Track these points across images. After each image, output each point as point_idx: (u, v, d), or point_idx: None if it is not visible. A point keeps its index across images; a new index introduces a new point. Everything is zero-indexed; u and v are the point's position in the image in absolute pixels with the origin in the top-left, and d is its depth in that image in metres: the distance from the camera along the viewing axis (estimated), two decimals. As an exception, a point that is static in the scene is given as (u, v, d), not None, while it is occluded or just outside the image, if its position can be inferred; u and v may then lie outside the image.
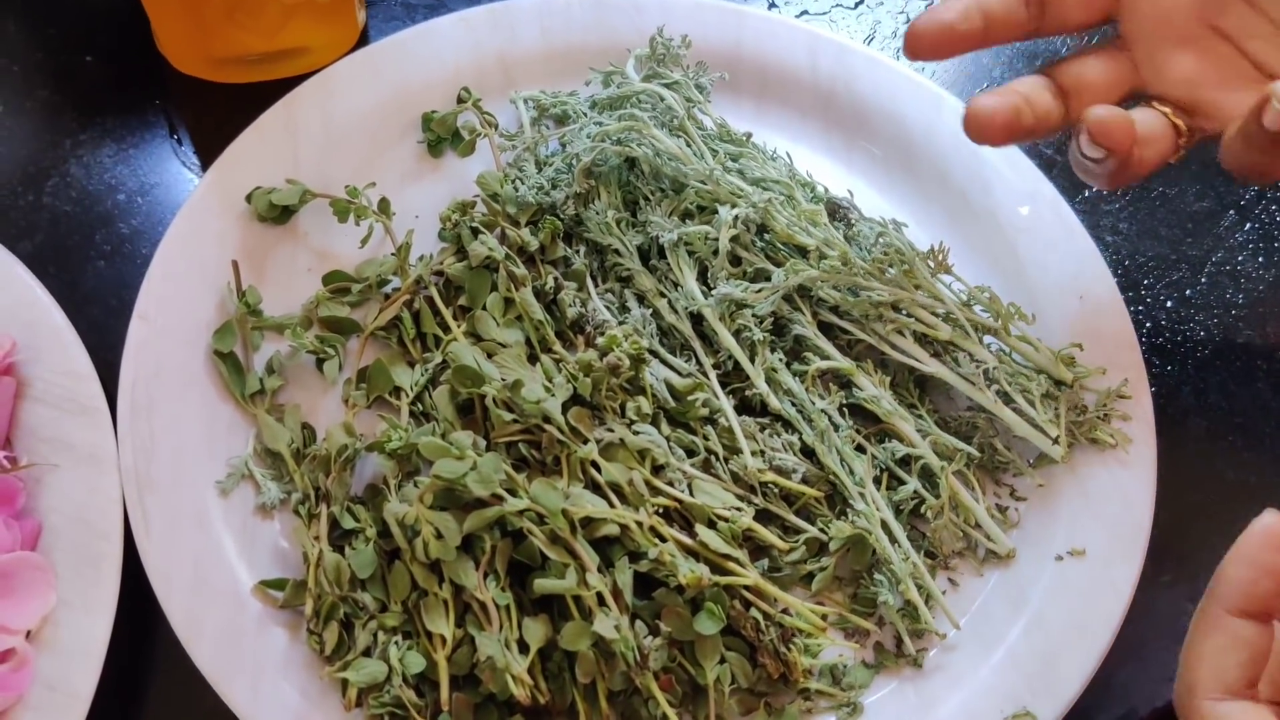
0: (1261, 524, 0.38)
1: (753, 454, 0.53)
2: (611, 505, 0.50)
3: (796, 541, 0.53)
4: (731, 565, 0.50)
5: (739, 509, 0.52)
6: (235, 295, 0.56)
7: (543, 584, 0.47)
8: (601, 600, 0.48)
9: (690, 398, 0.54)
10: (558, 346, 0.55)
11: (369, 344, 0.56)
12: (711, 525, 0.51)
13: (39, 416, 0.52)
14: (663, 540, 0.50)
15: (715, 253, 0.56)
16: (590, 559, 0.48)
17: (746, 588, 0.50)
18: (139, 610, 0.50)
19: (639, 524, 0.50)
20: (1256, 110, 0.46)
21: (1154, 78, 0.52)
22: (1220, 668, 0.38)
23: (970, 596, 0.54)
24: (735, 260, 0.57)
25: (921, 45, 0.52)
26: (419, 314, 0.56)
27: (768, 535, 0.52)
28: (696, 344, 0.56)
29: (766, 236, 0.58)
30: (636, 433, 0.52)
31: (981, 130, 0.50)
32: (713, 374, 0.55)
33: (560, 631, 0.47)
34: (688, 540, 0.50)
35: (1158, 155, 0.51)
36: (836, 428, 0.55)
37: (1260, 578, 0.38)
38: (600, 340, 0.53)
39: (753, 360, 0.55)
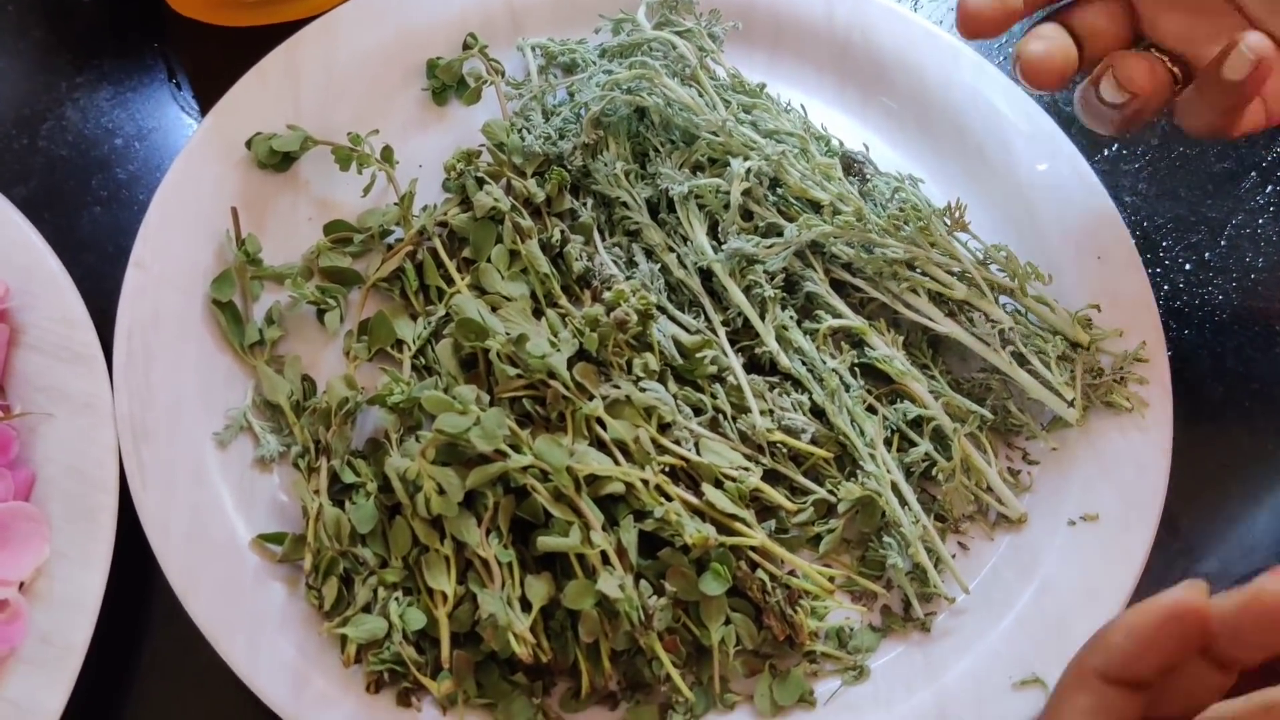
0: (1166, 600, 0.34)
1: (761, 413, 0.52)
2: (617, 463, 0.49)
3: (804, 503, 0.52)
4: (738, 526, 0.49)
5: (746, 469, 0.51)
6: (234, 243, 0.54)
7: (546, 541, 0.47)
8: (606, 559, 0.47)
9: (698, 355, 0.53)
10: (564, 301, 0.54)
11: (371, 296, 0.55)
12: (718, 485, 0.50)
13: (33, 364, 0.51)
14: (668, 499, 0.49)
15: (726, 207, 0.55)
16: (595, 517, 0.47)
17: (753, 548, 0.49)
18: (134, 563, 0.49)
19: (644, 482, 0.49)
20: (1218, 59, 0.47)
21: (1151, 28, 0.52)
22: None
23: (980, 561, 0.53)
24: (746, 215, 0.56)
25: (980, 23, 0.51)
26: (422, 265, 0.55)
27: (775, 496, 0.51)
28: (705, 300, 0.55)
29: (779, 191, 0.56)
30: (643, 390, 0.51)
31: (1039, 76, 0.51)
32: (721, 331, 0.54)
33: (563, 590, 0.47)
34: (694, 500, 0.49)
35: (1160, 102, 0.51)
36: (847, 387, 0.54)
37: (1144, 653, 0.34)
38: (607, 295, 0.52)
39: (763, 317, 0.54)
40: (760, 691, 0.49)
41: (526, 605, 0.47)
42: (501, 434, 0.47)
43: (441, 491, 0.47)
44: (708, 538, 0.47)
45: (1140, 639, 0.34)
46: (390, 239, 0.57)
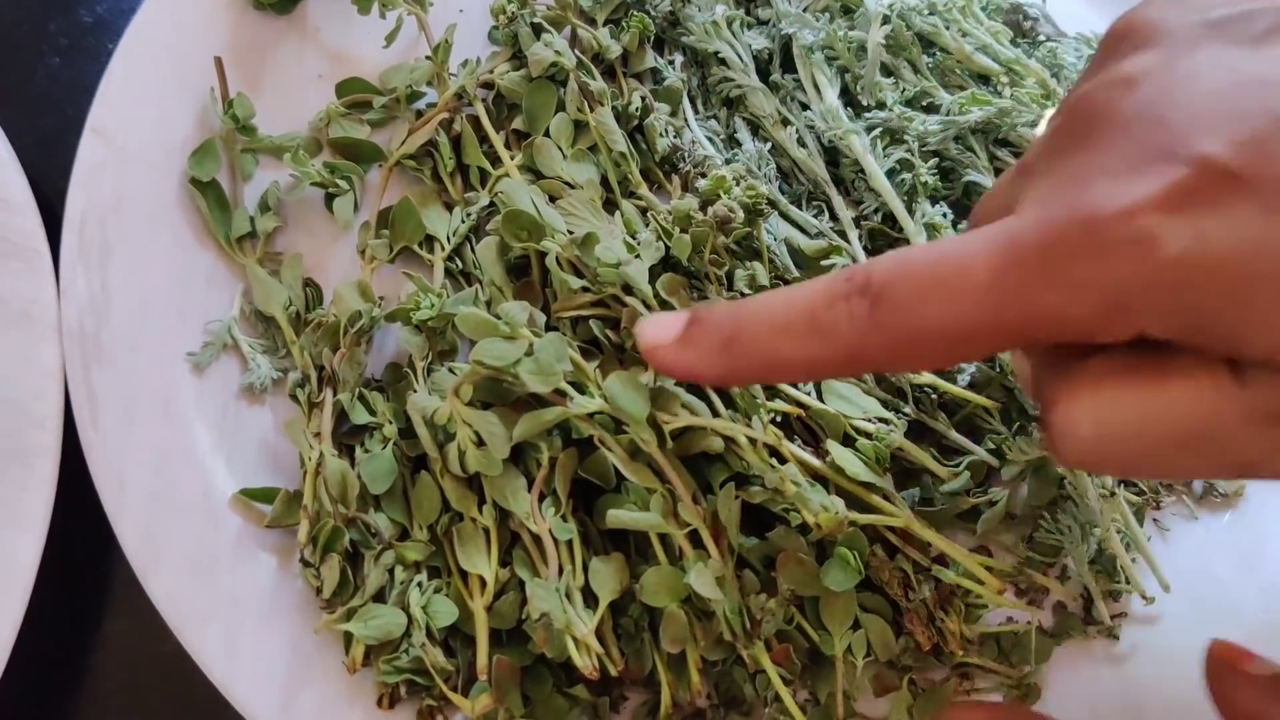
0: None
1: (904, 344, 0.42)
2: (713, 410, 0.40)
3: (958, 466, 0.42)
4: (874, 499, 0.40)
5: (885, 420, 0.41)
6: (220, 105, 0.47)
7: (618, 515, 0.38)
8: (697, 540, 0.38)
9: (822, 264, 0.44)
10: (644, 190, 0.46)
11: (394, 177, 0.49)
12: (848, 442, 0.41)
13: (-43, 259, 0.44)
14: (782, 460, 0.39)
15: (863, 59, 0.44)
16: (683, 483, 0.39)
17: (893, 529, 0.40)
18: (80, 526, 0.43)
19: (750, 439, 0.39)
20: None
21: None
22: None
23: (1186, 548, 0.44)
24: (887, 73, 0.45)
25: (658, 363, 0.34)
26: (460, 139, 0.48)
27: (922, 456, 0.42)
28: (832, 190, 0.45)
29: (936, 54, 0.45)
30: (749, 311, 0.42)
31: None
32: (853, 234, 0.45)
33: (640, 580, 0.39)
34: (815, 461, 0.40)
35: None
36: (1019, 313, 0.42)
37: None
38: (702, 183, 0.44)
39: (911, 213, 0.43)
40: (896, 714, 0.40)
41: (591, 599, 0.38)
42: (561, 368, 0.38)
43: (481, 443, 0.39)
44: (841, 518, 0.37)
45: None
46: (420, 104, 0.50)
